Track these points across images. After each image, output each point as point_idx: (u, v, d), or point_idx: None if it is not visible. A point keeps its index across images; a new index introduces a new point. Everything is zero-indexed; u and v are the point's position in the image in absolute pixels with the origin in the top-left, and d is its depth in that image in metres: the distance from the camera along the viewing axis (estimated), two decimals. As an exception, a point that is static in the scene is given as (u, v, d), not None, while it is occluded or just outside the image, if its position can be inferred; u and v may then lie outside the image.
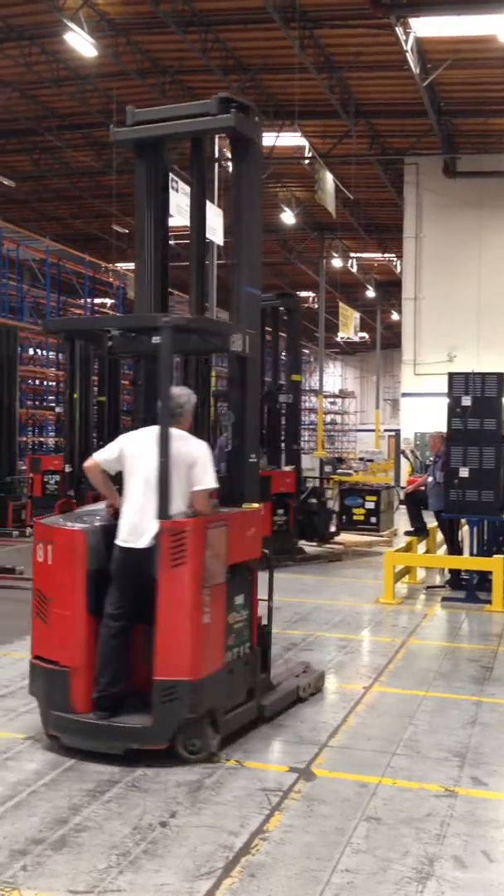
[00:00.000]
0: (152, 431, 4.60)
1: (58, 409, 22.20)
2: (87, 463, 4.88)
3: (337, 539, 12.00)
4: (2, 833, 3.57)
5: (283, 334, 12.08)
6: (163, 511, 4.41)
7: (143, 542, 4.48)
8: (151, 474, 4.49)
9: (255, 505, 4.95)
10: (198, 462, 4.59)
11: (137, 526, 4.52)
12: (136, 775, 4.19)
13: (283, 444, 11.56)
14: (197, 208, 5.59)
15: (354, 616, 8.19)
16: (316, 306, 38.11)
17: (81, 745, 4.43)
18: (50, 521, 4.83)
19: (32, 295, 24.55)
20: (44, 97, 21.33)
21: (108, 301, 32.16)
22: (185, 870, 3.30)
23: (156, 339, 4.57)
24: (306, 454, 29.80)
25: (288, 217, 27.59)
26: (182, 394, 4.84)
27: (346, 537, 12.94)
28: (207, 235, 20.68)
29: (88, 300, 26.82)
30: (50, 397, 26.38)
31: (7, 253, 20.84)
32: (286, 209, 27.27)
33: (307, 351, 48.41)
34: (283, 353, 12.13)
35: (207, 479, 4.58)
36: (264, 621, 5.13)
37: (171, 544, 4.32)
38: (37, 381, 25.98)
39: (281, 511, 10.67)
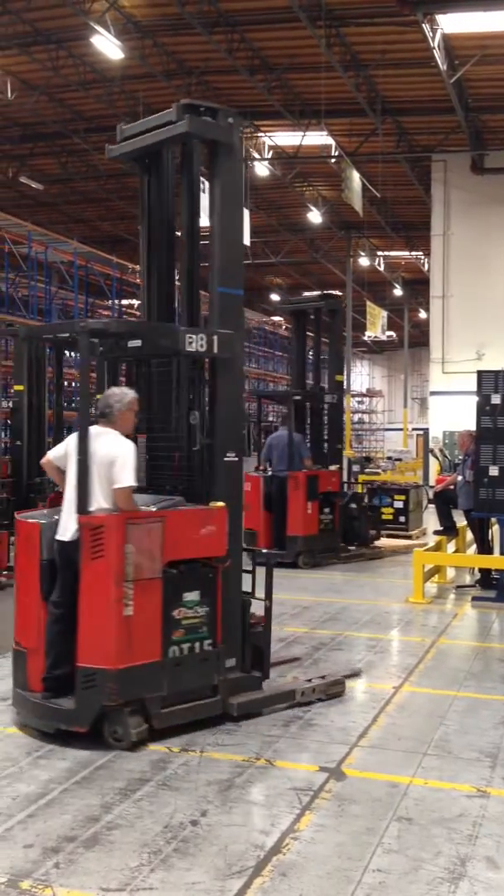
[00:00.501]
0: (91, 431, 4.78)
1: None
2: (43, 459, 5.24)
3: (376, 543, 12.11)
4: (34, 831, 3.60)
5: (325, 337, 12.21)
6: (81, 506, 4.64)
7: (68, 535, 4.75)
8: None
9: (220, 504, 4.97)
10: (117, 461, 4.69)
11: (66, 520, 4.81)
12: (166, 774, 4.21)
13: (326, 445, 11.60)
14: (189, 215, 5.49)
15: (384, 615, 8.15)
16: (343, 305, 38.04)
17: (27, 720, 4.81)
18: (33, 514, 5.22)
19: (60, 297, 24.72)
20: (71, 100, 21.48)
21: (136, 302, 32.31)
22: (216, 868, 3.31)
23: (133, 344, 4.93)
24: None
25: (315, 216, 27.53)
26: (113, 394, 4.99)
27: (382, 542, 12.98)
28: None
29: (116, 301, 26.94)
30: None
31: (36, 255, 21.00)
32: (313, 208, 27.22)
33: (334, 350, 48.30)
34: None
35: (125, 477, 4.67)
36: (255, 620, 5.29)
37: (89, 539, 4.56)
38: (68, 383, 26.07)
39: (327, 510, 10.80)
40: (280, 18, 17.04)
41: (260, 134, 23.76)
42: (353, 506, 11.48)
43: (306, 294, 21.64)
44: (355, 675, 5.98)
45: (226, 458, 5.10)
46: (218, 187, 5.30)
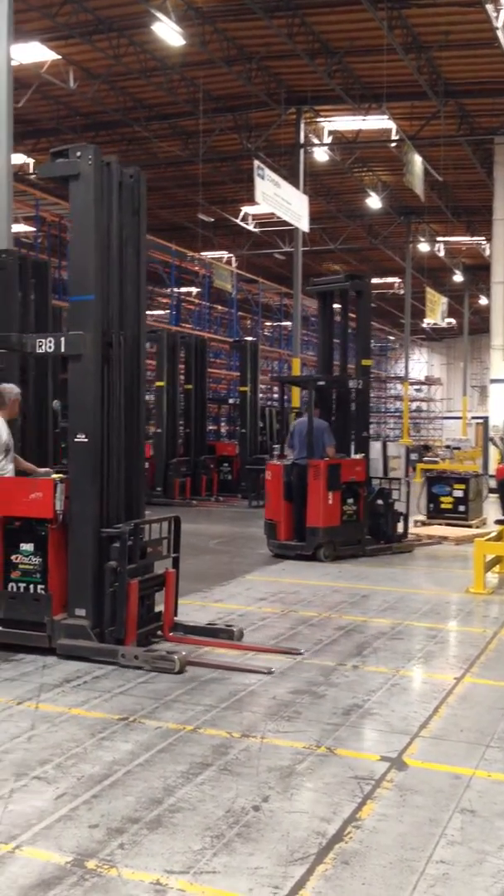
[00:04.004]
0: None
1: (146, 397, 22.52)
2: None
3: (433, 532, 11.82)
4: (99, 811, 3.65)
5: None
6: None
7: None
8: None
9: (56, 475, 6.08)
10: None
11: None
12: (227, 759, 4.24)
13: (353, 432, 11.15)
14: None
15: (443, 606, 8.08)
16: (402, 292, 37.63)
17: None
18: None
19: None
20: (132, 88, 21.60)
21: (194, 290, 32.43)
22: (278, 854, 3.32)
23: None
24: (392, 442, 29.53)
25: (374, 202, 27.27)
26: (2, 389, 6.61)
27: (437, 530, 12.79)
28: (293, 222, 20.63)
29: (175, 289, 27.05)
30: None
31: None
32: (372, 194, 26.95)
33: (392, 337, 47.86)
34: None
35: None
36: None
37: None
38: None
39: (351, 500, 10.41)
40: (342, 1, 16.90)
41: (319, 119, 23.59)
42: (380, 502, 10.90)
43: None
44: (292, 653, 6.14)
45: (76, 439, 5.94)
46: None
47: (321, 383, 11.06)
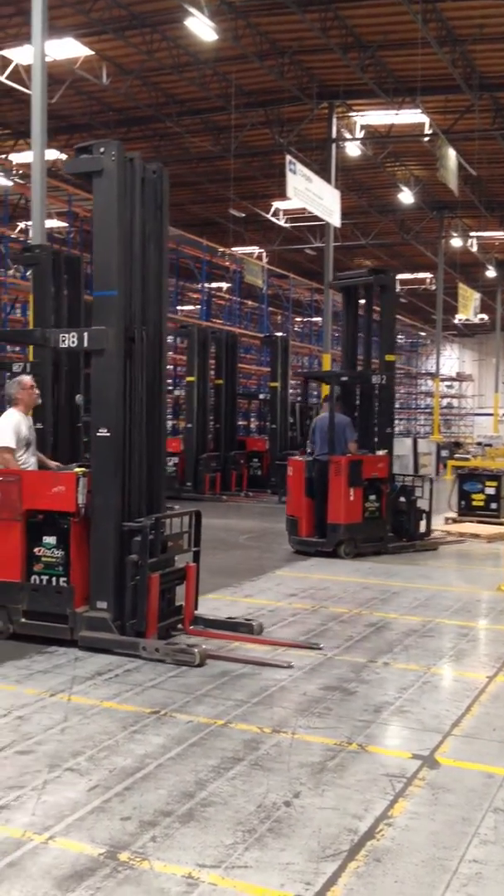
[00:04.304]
0: None
1: (176, 392, 22.59)
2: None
3: (464, 530, 11.70)
4: (131, 804, 3.67)
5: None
6: None
7: None
8: None
9: (79, 469, 6.15)
10: None
11: None
12: (259, 754, 4.24)
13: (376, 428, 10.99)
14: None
15: (474, 603, 8.03)
16: (433, 288, 37.37)
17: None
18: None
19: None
20: (164, 83, 21.62)
21: (225, 285, 32.43)
22: (310, 850, 3.32)
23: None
24: (422, 438, 29.33)
25: (406, 196, 27.08)
26: (11, 383, 6.82)
27: (469, 527, 12.70)
28: (325, 217, 20.55)
29: (206, 284, 27.07)
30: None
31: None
32: (404, 188, 26.77)
33: (423, 333, 47.57)
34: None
35: (0, 439, 6.41)
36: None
37: None
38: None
39: (373, 497, 10.29)
40: (376, -6, 16.76)
41: (352, 113, 23.47)
42: (402, 499, 10.76)
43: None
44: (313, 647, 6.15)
45: (98, 433, 5.99)
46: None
47: (344, 379, 10.99)
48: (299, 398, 19.26)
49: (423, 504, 10.99)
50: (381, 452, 10.57)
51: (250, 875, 3.14)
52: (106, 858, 3.22)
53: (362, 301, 11.55)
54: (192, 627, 6.49)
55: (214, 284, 31.79)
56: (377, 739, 4.50)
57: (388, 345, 10.96)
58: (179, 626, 6.47)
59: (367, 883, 3.11)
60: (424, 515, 11.06)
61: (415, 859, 3.29)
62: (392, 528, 10.64)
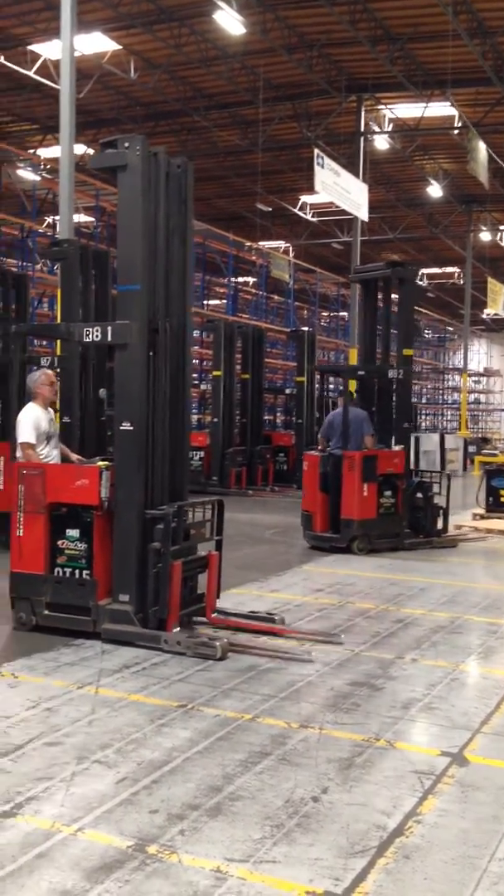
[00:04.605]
0: None
1: (203, 387, 22.61)
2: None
3: (492, 526, 11.55)
4: (159, 797, 3.67)
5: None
6: (11, 456, 6.79)
7: None
8: None
9: (102, 463, 6.15)
10: (17, 424, 6.67)
11: None
12: (286, 749, 4.23)
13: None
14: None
15: (503, 600, 7.95)
16: (462, 282, 37.10)
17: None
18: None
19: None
20: (192, 78, 21.61)
21: (251, 279, 32.41)
22: (338, 846, 3.30)
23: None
24: (450, 434, 29.15)
25: (435, 190, 26.90)
26: (29, 377, 6.96)
27: (496, 523, 12.61)
28: (353, 211, 20.45)
29: (232, 279, 27.06)
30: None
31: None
32: (433, 182, 26.58)
33: (451, 328, 47.23)
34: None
35: (20, 435, 6.57)
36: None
37: None
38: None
39: (388, 493, 10.17)
40: (405, -14, 16.63)
41: (380, 106, 23.33)
42: (420, 495, 10.61)
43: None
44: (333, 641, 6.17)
45: (121, 427, 5.99)
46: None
47: (361, 373, 10.90)
48: (328, 392, 19.15)
49: (440, 500, 10.88)
50: (397, 448, 10.44)
51: (279, 870, 3.13)
52: (134, 851, 3.23)
53: (383, 295, 11.45)
54: (214, 615, 6.49)
55: (241, 279, 31.76)
56: (405, 736, 4.47)
57: (407, 339, 10.82)
58: (202, 614, 6.49)
59: (396, 880, 3.09)
60: (441, 512, 10.89)
61: (444, 857, 3.26)
62: (409, 524, 10.53)
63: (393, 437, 10.72)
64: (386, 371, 10.71)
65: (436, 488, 10.90)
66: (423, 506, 10.66)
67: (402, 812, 3.61)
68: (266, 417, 25.23)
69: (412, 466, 11.36)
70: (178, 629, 5.97)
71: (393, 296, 11.44)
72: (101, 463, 6.22)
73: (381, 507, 10.15)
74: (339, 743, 4.33)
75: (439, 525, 10.91)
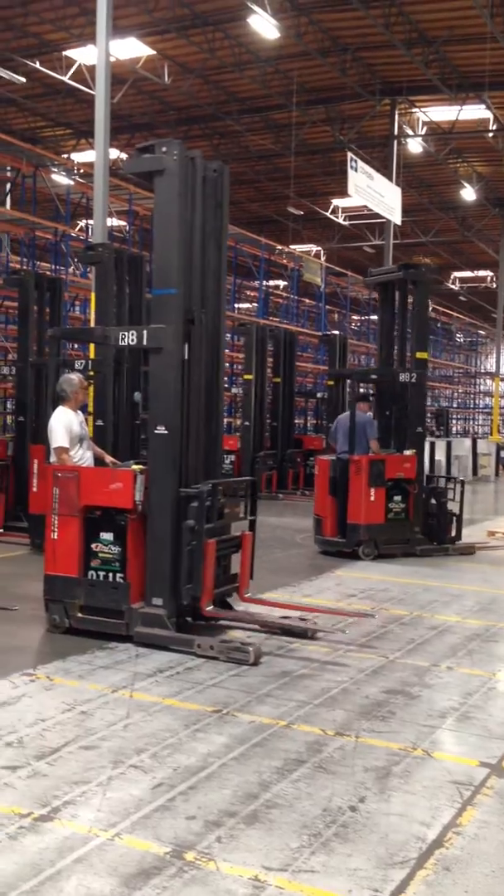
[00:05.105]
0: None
1: (234, 390, 22.61)
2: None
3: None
4: (196, 803, 3.66)
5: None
6: (45, 459, 7.01)
7: None
8: None
9: (136, 466, 6.18)
10: (49, 429, 6.72)
11: None
12: (322, 756, 4.20)
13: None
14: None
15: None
16: (495, 285, 36.81)
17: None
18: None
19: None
20: (225, 82, 21.66)
21: (282, 283, 32.38)
22: (377, 857, 3.27)
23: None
24: (481, 438, 28.88)
25: (468, 193, 26.72)
26: (63, 380, 6.95)
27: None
28: (386, 215, 20.36)
29: (264, 282, 27.04)
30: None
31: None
32: (466, 185, 26.41)
33: (483, 332, 46.87)
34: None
35: (54, 440, 6.61)
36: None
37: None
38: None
39: (398, 498, 10.02)
40: (440, -11, 16.54)
41: (414, 109, 23.23)
42: (433, 501, 10.37)
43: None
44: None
45: (156, 431, 6.01)
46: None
47: (373, 377, 10.81)
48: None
49: (454, 507, 10.59)
50: (408, 452, 10.27)
51: (317, 880, 3.10)
52: (172, 857, 3.21)
53: (399, 297, 11.31)
54: (247, 596, 6.54)
55: (272, 282, 31.76)
56: (443, 745, 4.42)
57: (420, 341, 10.59)
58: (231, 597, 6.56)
59: (436, 892, 3.05)
60: (455, 519, 10.60)
61: (485, 869, 3.21)
62: (423, 530, 10.33)
63: (392, 441, 10.51)
64: (397, 375, 10.48)
65: (454, 493, 10.66)
66: (436, 512, 10.44)
67: (441, 823, 3.56)
68: (297, 421, 25.17)
69: (429, 471, 11.16)
70: (212, 607, 6.05)
71: (410, 298, 11.30)
72: (135, 466, 6.24)
73: (391, 512, 10.01)
74: (375, 751, 4.29)
75: (453, 532, 10.65)
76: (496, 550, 11.26)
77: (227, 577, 6.46)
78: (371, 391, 11.12)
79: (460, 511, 10.67)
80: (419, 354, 10.51)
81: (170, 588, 5.99)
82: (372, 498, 9.84)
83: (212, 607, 6.06)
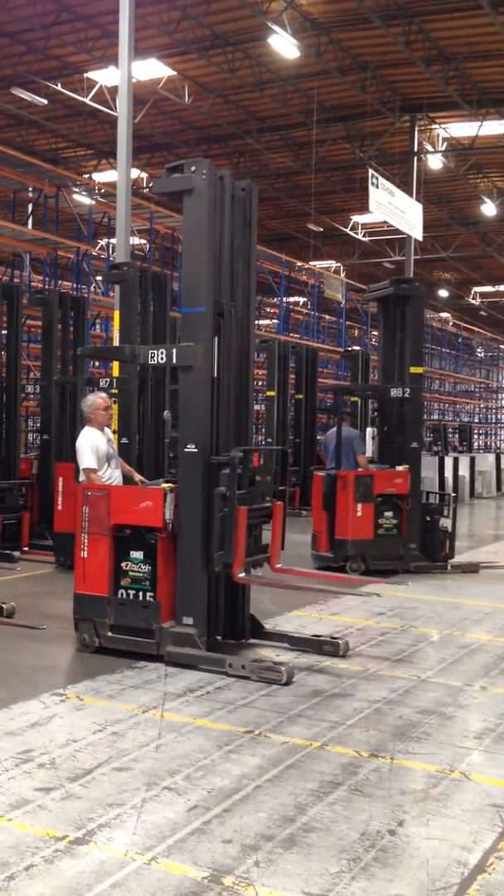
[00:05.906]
0: None
1: (256, 407, 22.62)
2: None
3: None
4: (232, 826, 3.61)
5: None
6: (75, 479, 7.02)
7: None
8: None
9: (165, 485, 6.14)
10: (77, 450, 6.73)
11: None
12: (358, 779, 4.14)
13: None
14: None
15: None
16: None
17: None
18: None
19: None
20: (245, 101, 21.78)
21: (302, 299, 32.41)
22: (419, 882, 3.20)
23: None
24: (490, 453, 28.67)
25: (489, 208, 26.68)
26: (83, 402, 7.00)
27: None
28: (407, 231, 20.33)
29: (284, 299, 27.08)
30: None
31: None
32: (487, 200, 26.38)
33: (503, 346, 46.66)
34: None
35: (82, 461, 6.63)
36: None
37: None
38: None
39: (389, 514, 9.92)
40: (461, 7, 16.60)
41: (434, 126, 23.26)
42: (427, 518, 10.21)
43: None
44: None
45: (185, 449, 5.99)
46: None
47: (369, 392, 10.83)
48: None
49: (446, 524, 10.34)
50: (401, 468, 10.16)
51: (359, 906, 3.04)
52: (210, 882, 3.16)
53: (399, 312, 11.23)
54: (278, 566, 6.52)
55: (292, 298, 31.79)
56: (481, 768, 4.35)
57: (415, 356, 10.52)
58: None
59: (481, 920, 2.98)
60: (447, 536, 10.34)
61: (530, 897, 3.14)
62: (420, 547, 10.16)
63: (393, 456, 10.38)
64: (388, 391, 10.38)
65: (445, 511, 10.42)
66: (429, 529, 10.26)
67: (482, 847, 3.49)
68: (319, 437, 25.12)
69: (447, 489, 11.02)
70: (243, 574, 5.99)
71: (404, 316, 11.21)
72: (165, 485, 6.22)
73: (381, 528, 9.93)
74: (411, 773, 4.22)
75: (446, 549, 10.39)
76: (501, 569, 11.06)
77: (257, 546, 6.40)
78: (374, 405, 11.16)
79: (453, 528, 10.44)
80: (413, 369, 10.44)
81: (200, 607, 5.96)
82: (359, 513, 9.82)
83: (243, 574, 5.98)
